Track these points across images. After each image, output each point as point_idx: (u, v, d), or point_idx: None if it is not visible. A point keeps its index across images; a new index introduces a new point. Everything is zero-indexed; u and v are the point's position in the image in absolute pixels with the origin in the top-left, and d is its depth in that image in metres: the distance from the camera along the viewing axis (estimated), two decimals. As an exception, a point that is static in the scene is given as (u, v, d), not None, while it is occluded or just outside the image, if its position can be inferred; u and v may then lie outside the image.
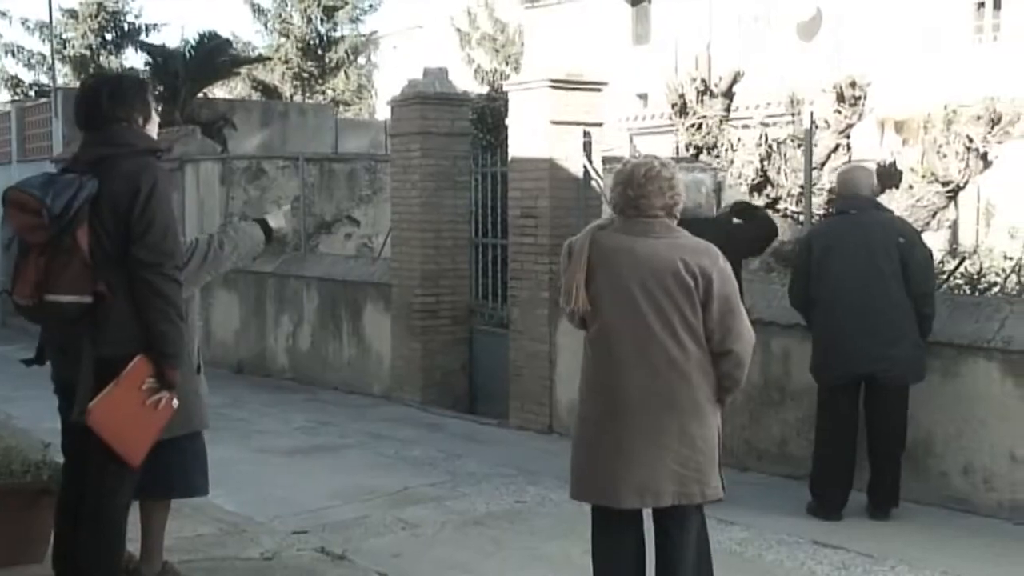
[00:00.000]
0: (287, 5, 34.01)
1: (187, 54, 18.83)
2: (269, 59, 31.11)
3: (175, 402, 3.68)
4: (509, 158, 8.79)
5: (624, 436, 3.70)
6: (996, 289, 7.41)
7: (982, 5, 19.91)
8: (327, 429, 8.79)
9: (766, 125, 8.56)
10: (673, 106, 8.76)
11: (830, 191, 7.94)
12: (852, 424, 5.80)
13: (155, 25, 31.21)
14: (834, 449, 5.79)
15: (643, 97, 25.17)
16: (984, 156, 8.23)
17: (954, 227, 14.06)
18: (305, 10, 33.63)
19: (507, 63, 30.54)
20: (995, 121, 8.22)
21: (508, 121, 8.72)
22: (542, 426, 8.46)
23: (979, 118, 8.16)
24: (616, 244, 3.76)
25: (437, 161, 9.67)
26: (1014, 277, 7.56)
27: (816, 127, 8.00)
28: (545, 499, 6.41)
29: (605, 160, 8.67)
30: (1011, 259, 8.12)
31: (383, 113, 25.34)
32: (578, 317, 3.86)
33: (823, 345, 5.82)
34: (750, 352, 3.74)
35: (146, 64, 20.06)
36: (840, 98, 8.09)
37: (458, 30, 31.74)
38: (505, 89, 8.92)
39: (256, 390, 10.84)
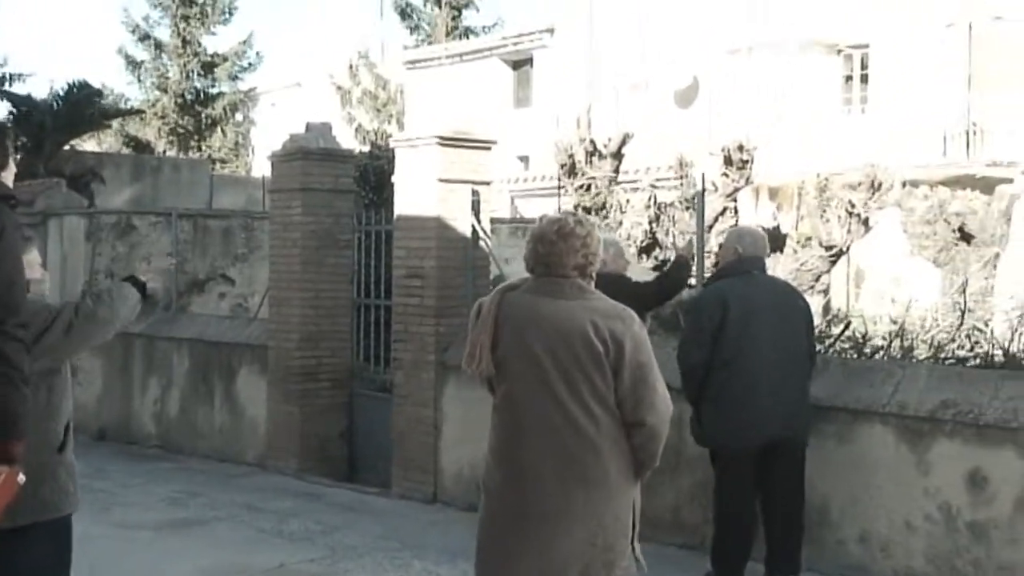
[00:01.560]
0: (165, 59, 33.31)
1: (54, 104, 18.10)
2: (143, 112, 30.33)
3: (21, 478, 3.24)
4: (395, 216, 8.53)
5: (527, 511, 3.43)
6: (881, 353, 7.41)
7: (849, 78, 20.63)
8: (196, 501, 8.26)
9: (654, 187, 8.49)
10: (562, 166, 8.65)
11: (718, 253, 7.89)
12: (753, 491, 5.65)
13: (20, 75, 30.07)
14: (737, 517, 5.62)
15: (524, 159, 25.31)
16: (865, 221, 8.33)
17: (827, 291, 14.32)
18: (184, 65, 32.99)
19: (389, 122, 30.40)
20: (875, 188, 8.34)
21: (394, 178, 8.47)
22: (426, 496, 8.11)
23: (859, 184, 8.26)
24: (525, 305, 3.54)
25: (319, 218, 9.32)
26: (898, 341, 7.59)
27: (705, 190, 7.98)
28: (432, 574, 6.08)
29: (493, 220, 8.47)
30: (896, 322, 8.18)
31: (260, 170, 24.84)
32: (484, 381, 3.63)
33: (727, 410, 5.57)
34: (666, 424, 3.51)
35: (9, 114, 19.22)
36: (728, 161, 8.10)
37: (339, 88, 31.49)
38: (392, 146, 8.67)
39: (120, 458, 10.18)
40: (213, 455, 10.10)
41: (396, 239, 8.51)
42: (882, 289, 14.05)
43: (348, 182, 9.65)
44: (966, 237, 10.96)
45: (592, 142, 8.70)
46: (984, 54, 18.64)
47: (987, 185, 15.64)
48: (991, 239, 10.64)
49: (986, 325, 8.37)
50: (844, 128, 20.12)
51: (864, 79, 20.23)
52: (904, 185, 11.56)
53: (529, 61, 27.00)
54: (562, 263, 3.54)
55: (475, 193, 8.23)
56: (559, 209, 15.68)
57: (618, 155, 8.59)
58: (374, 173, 11.89)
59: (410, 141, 8.38)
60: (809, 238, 8.53)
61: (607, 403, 3.41)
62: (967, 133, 18.36)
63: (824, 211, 8.18)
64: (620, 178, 8.96)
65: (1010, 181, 17.03)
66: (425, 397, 8.17)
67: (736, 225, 8.10)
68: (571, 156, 8.63)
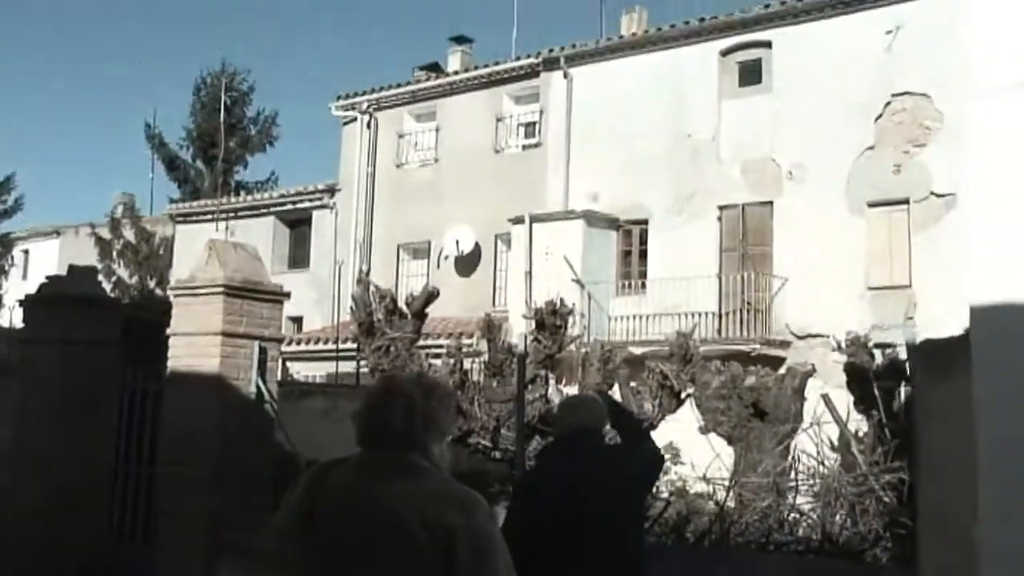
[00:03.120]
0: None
1: None
2: None
3: None
4: (167, 372, 7.52)
5: None
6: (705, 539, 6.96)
7: (628, 253, 21.07)
8: None
9: (455, 353, 7.89)
10: (360, 325, 7.93)
11: (526, 425, 7.31)
12: None
13: None
14: None
15: (297, 320, 24.33)
16: (678, 395, 7.98)
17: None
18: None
19: (151, 277, 28.83)
20: (687, 359, 8.04)
21: (169, 330, 7.50)
22: None
23: (671, 355, 7.93)
24: (345, 485, 2.85)
25: (78, 373, 8.14)
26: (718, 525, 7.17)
27: (526, 355, 7.43)
28: None
29: (282, 384, 7.61)
30: (717, 504, 7.78)
31: (7, 320, 22.68)
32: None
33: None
34: None
35: None
36: (540, 326, 7.62)
37: (99, 238, 29.74)
38: (170, 293, 7.71)
39: None
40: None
41: (167, 398, 7.48)
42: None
43: (113, 334, 8.53)
44: (760, 414, 10.83)
45: (393, 300, 8.05)
46: (753, 235, 19.50)
47: (769, 362, 15.99)
48: (785, 416, 10.55)
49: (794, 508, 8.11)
50: (622, 302, 20.41)
51: (643, 254, 20.70)
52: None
53: (307, 221, 26.36)
54: (391, 430, 2.86)
55: (263, 350, 7.38)
56: (335, 376, 14.74)
57: (421, 315, 7.97)
58: (142, 326, 10.72)
59: (192, 288, 7.48)
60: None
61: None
62: (741, 311, 18.93)
63: (636, 384, 7.78)
64: (423, 343, 8.32)
65: (782, 360, 17.56)
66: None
67: (547, 394, 7.56)
68: (370, 314, 7.93)
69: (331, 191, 25.85)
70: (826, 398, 10.30)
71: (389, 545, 2.71)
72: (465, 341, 14.07)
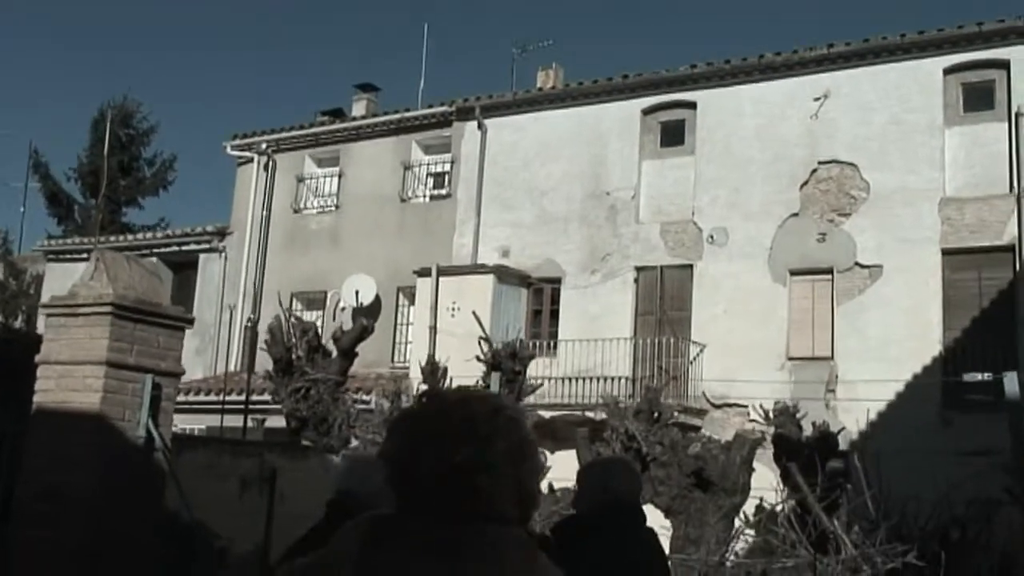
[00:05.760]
0: None
1: None
2: None
3: None
4: (33, 411, 6.08)
5: None
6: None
7: (539, 312, 20.08)
8: None
9: (393, 398, 6.63)
10: (276, 362, 6.63)
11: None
12: None
13: None
14: None
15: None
16: (644, 458, 6.88)
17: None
18: None
19: (17, 316, 26.60)
20: (655, 419, 6.96)
21: (39, 357, 6.09)
22: None
23: (639, 413, 6.83)
24: None
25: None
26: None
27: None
28: None
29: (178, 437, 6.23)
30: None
31: None
32: None
33: None
34: None
35: None
36: (496, 369, 6.44)
37: (-41, 273, 27.42)
38: (43, 314, 6.28)
39: None
40: None
41: (30, 444, 6.03)
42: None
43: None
44: (703, 484, 9.79)
45: (317, 335, 6.78)
46: (671, 299, 18.72)
47: (685, 430, 15.03)
48: (733, 487, 9.54)
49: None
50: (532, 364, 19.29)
51: (554, 314, 19.70)
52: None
53: (193, 264, 24.65)
54: (492, 491, 1.66)
55: (156, 386, 6.02)
56: (220, 428, 13.32)
57: (350, 353, 6.71)
58: (10, 360, 9.16)
59: (71, 307, 6.08)
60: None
61: None
62: (656, 377, 18.01)
63: (597, 444, 6.66)
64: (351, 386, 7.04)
65: (698, 428, 16.65)
66: None
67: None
68: (289, 350, 6.63)
69: (221, 234, 24.24)
70: (791, 468, 9.35)
71: None
72: (364, 397, 12.75)
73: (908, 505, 7.95)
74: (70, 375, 5.93)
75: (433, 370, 6.78)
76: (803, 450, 11.77)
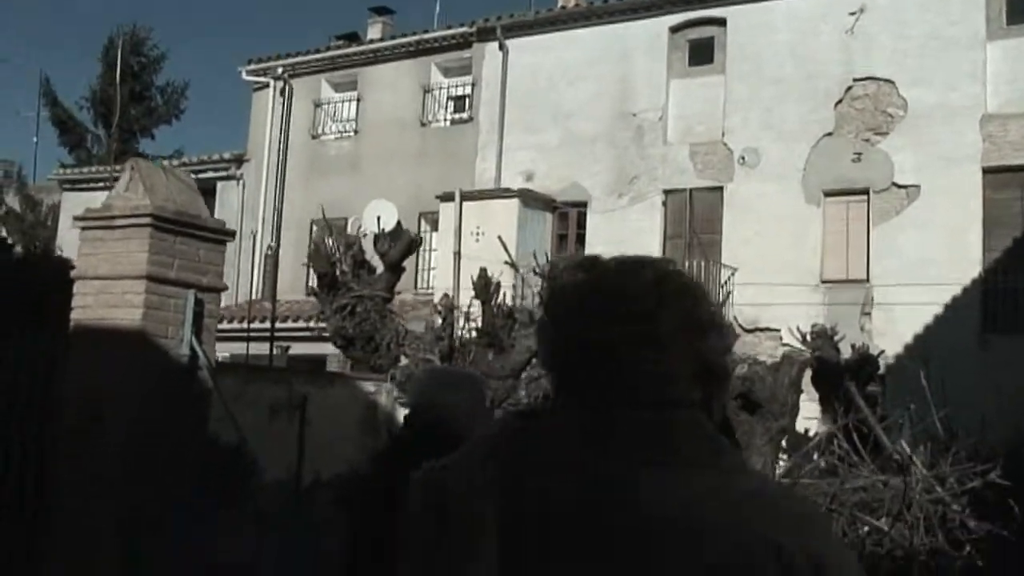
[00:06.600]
0: None
1: None
2: None
3: None
4: (71, 327, 5.78)
5: None
6: None
7: (564, 237, 19.72)
8: None
9: (445, 314, 6.31)
10: (321, 278, 6.30)
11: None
12: None
13: None
14: None
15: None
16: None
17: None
18: None
19: (35, 247, 26.36)
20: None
21: (75, 272, 5.77)
22: None
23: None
24: (573, 488, 1.29)
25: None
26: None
27: (519, 317, 5.89)
28: None
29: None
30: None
31: None
32: None
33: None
34: None
35: None
36: (554, 285, 6.13)
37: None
38: (77, 227, 5.91)
39: None
40: None
41: (70, 362, 5.74)
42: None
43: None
44: (750, 406, 9.49)
45: (362, 249, 6.44)
46: (701, 222, 18.34)
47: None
48: (781, 410, 9.24)
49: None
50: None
51: (580, 239, 19.34)
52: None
53: (211, 192, 24.26)
54: (662, 367, 1.33)
55: (199, 302, 5.71)
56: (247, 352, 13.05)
57: (398, 268, 6.38)
58: (29, 283, 8.88)
59: (107, 220, 5.74)
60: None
61: None
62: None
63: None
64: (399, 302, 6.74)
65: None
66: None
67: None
68: (333, 265, 6.29)
69: (239, 161, 23.84)
70: (850, 388, 9.06)
71: None
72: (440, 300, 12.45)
73: (971, 425, 7.66)
74: (108, 290, 5.62)
75: (486, 284, 6.46)
76: (843, 373, 11.46)
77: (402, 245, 6.46)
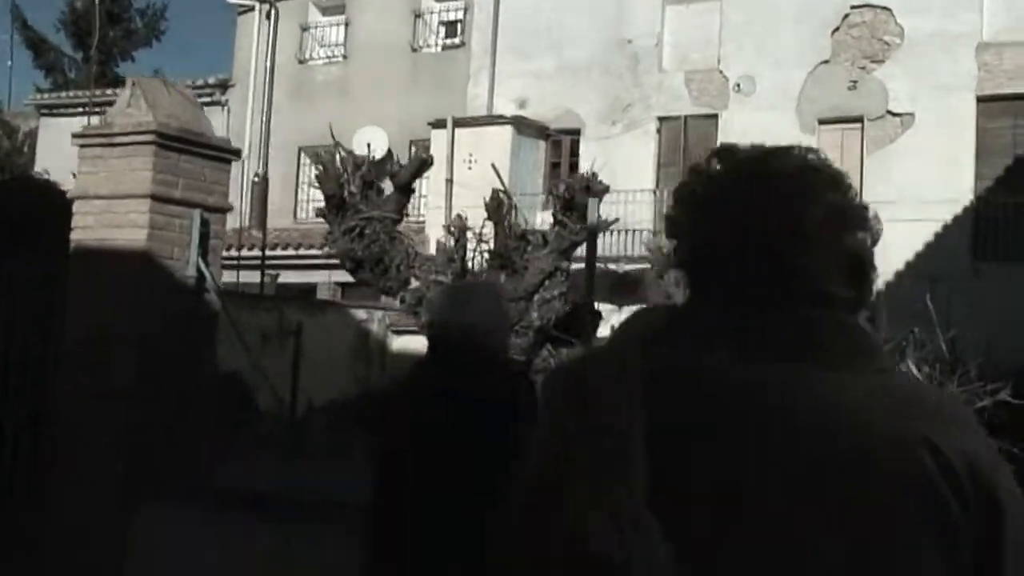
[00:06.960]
0: None
1: None
2: None
3: None
4: (71, 249, 5.63)
5: None
6: None
7: (557, 164, 19.54)
8: None
9: (458, 235, 6.19)
10: (328, 199, 6.15)
11: (539, 330, 5.70)
12: None
13: None
14: None
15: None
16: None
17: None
18: None
19: (10, 173, 25.98)
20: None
21: (72, 192, 5.60)
22: None
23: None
24: (725, 388, 1.19)
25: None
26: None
27: (532, 239, 5.77)
28: None
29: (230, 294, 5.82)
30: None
31: None
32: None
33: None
34: None
35: None
36: (567, 207, 5.98)
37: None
38: (76, 144, 5.74)
39: None
40: None
41: (72, 285, 5.60)
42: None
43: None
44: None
45: (371, 169, 6.28)
46: (695, 150, 18.18)
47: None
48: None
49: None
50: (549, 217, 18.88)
51: (573, 167, 19.14)
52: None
53: (195, 118, 23.88)
54: (816, 265, 1.21)
55: (205, 222, 5.56)
56: (261, 280, 12.94)
57: (408, 189, 6.24)
58: (13, 206, 8.67)
59: (107, 137, 5.57)
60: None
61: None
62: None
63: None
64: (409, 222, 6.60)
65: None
66: (105, 531, 5.26)
67: (567, 292, 5.95)
68: (341, 186, 6.14)
69: (223, 86, 23.43)
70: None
71: (874, 496, 1.10)
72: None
73: (968, 349, 7.62)
74: (111, 210, 5.47)
75: (499, 205, 6.33)
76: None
77: (412, 166, 6.31)
